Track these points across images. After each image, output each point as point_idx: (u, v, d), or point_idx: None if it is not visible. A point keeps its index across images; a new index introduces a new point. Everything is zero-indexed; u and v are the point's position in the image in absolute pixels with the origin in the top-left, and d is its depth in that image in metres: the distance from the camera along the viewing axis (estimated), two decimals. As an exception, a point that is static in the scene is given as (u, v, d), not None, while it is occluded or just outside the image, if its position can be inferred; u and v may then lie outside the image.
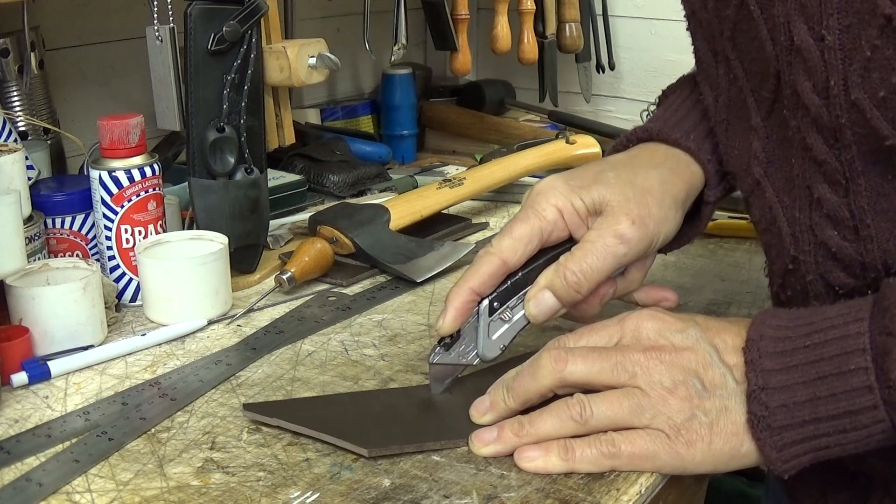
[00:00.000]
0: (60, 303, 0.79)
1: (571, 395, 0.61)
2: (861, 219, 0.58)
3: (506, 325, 0.68)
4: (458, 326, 0.67)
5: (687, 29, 0.70)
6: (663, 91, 0.82)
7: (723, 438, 0.58)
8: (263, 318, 0.88)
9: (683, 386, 0.59)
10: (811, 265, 0.62)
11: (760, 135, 0.63)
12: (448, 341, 0.68)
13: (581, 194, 0.66)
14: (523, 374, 0.63)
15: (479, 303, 0.67)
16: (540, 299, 0.66)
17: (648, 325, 0.61)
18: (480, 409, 0.65)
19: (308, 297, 0.93)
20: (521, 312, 0.68)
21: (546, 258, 0.67)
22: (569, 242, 0.67)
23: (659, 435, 0.59)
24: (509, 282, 0.67)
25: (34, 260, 0.85)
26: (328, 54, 1.01)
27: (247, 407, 0.70)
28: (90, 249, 0.92)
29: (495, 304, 0.67)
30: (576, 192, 0.66)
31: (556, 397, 0.63)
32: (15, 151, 0.82)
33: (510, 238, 0.66)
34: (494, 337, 0.68)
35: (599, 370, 0.60)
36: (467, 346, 0.69)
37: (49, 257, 0.88)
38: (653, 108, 1.55)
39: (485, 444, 0.63)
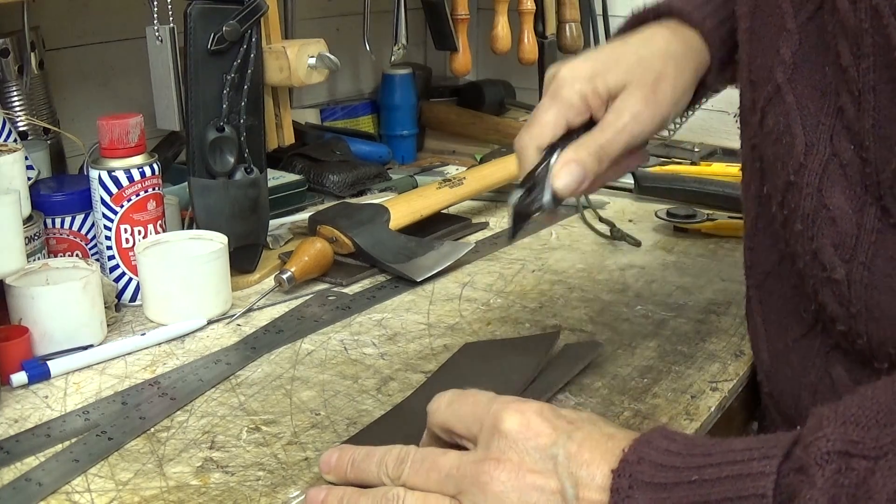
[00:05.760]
0: (60, 302, 0.79)
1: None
2: (862, 139, 0.57)
3: None
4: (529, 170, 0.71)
5: None
6: None
7: None
8: (263, 318, 0.88)
9: None
10: (815, 175, 0.60)
11: (792, 39, 0.62)
12: (529, 185, 0.70)
13: (605, 78, 0.70)
14: (366, 460, 0.56)
15: (551, 153, 0.70)
16: (567, 170, 0.69)
17: (507, 425, 0.51)
18: (325, 464, 0.59)
19: (308, 297, 0.93)
20: None
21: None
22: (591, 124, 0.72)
23: None
24: (575, 135, 0.71)
25: (34, 260, 0.85)
26: (328, 54, 1.01)
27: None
28: (90, 249, 0.92)
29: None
30: (600, 76, 0.70)
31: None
32: (15, 151, 0.82)
33: (539, 125, 0.70)
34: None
35: (426, 480, 0.52)
36: (539, 191, 0.70)
37: (49, 257, 0.88)
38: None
39: None
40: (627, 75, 0.70)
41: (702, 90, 0.76)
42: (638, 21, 0.77)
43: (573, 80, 0.70)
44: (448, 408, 0.55)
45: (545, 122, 0.70)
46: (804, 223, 0.61)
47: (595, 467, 0.48)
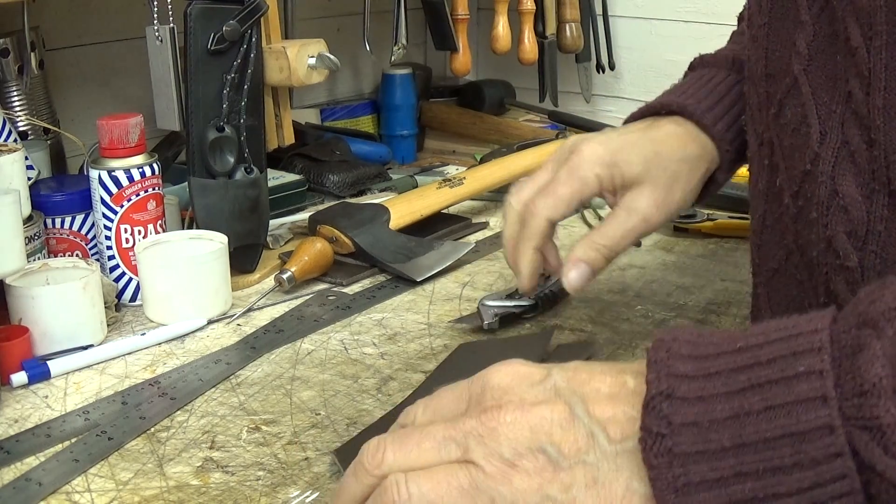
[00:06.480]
0: (60, 302, 0.79)
1: None
2: (872, 119, 0.57)
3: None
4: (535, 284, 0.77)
5: None
6: (700, 56, 0.85)
7: None
8: (263, 318, 0.88)
9: (530, 456, 0.44)
10: (829, 164, 0.61)
11: (807, 31, 0.63)
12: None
13: (622, 168, 0.72)
14: (347, 476, 0.50)
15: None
16: (577, 269, 0.73)
17: (496, 381, 0.48)
18: None
19: (308, 297, 0.93)
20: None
21: None
22: None
23: None
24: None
25: (34, 260, 0.85)
26: (328, 54, 1.01)
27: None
28: (90, 249, 0.92)
29: None
30: (618, 165, 0.72)
31: None
32: (15, 151, 0.82)
33: (555, 198, 0.73)
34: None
35: (419, 455, 0.47)
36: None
37: (49, 257, 0.88)
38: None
39: None
40: (643, 171, 0.73)
41: (712, 186, 0.78)
42: (648, 113, 0.78)
43: (593, 163, 0.73)
44: (426, 412, 0.51)
45: (561, 196, 0.73)
46: (819, 211, 0.61)
47: (597, 381, 0.47)
